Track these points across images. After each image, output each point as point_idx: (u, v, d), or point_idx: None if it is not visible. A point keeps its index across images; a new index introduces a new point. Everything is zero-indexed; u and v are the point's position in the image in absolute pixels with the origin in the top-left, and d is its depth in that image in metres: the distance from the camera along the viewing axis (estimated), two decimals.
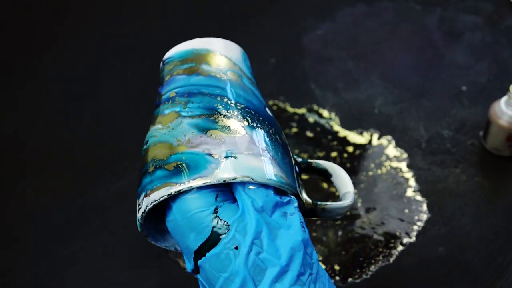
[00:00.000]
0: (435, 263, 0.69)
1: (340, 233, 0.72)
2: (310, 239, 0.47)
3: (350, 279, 0.69)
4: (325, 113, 0.85)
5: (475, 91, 0.87)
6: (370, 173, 0.78)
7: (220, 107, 0.47)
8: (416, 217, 0.73)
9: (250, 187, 0.45)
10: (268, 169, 0.45)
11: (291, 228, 0.44)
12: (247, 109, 0.48)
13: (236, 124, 0.46)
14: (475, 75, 0.89)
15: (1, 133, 0.86)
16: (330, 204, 0.51)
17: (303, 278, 0.43)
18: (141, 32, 1.00)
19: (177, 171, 0.45)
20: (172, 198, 0.45)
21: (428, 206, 0.74)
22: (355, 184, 0.77)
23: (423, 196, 0.75)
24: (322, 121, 0.84)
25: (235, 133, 0.46)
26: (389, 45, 0.94)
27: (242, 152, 0.45)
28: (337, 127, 0.83)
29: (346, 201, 0.52)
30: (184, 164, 0.45)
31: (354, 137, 0.82)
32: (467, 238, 0.71)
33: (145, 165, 0.47)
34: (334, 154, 0.80)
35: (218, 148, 0.45)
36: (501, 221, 0.72)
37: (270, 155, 0.46)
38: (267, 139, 0.47)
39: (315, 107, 0.86)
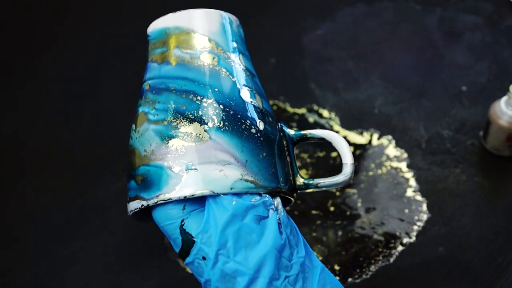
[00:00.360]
0: (435, 263, 0.69)
1: (340, 233, 0.72)
2: (304, 240, 0.46)
3: (350, 279, 0.69)
4: (325, 113, 0.85)
5: (475, 91, 0.87)
6: (370, 173, 0.78)
7: (184, 107, 0.46)
8: (416, 217, 0.73)
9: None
10: (231, 176, 0.44)
11: (264, 232, 0.44)
12: (215, 105, 0.46)
13: (198, 128, 0.45)
14: (475, 75, 0.89)
15: (1, 133, 0.86)
16: (323, 182, 0.50)
17: (277, 283, 0.43)
18: (141, 32, 0.99)
19: (143, 185, 0.45)
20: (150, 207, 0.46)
21: (428, 206, 0.74)
22: (355, 184, 0.77)
23: (423, 196, 0.75)
24: (322, 121, 0.84)
25: (197, 140, 0.45)
26: (389, 45, 0.94)
27: (204, 162, 0.44)
28: (337, 127, 0.83)
29: (341, 177, 0.50)
30: (149, 179, 0.45)
31: (354, 137, 0.82)
32: (467, 238, 0.71)
33: (128, 167, 0.48)
34: (334, 154, 0.80)
35: (179, 160, 0.44)
36: (501, 221, 0.72)
37: (237, 157, 0.45)
38: (235, 139, 0.45)
39: (315, 107, 0.86)
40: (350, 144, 0.81)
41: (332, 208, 0.75)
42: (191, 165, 0.44)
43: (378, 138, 0.82)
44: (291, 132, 0.51)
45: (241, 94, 0.48)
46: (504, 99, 0.75)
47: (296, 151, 0.81)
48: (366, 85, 0.89)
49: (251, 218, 0.44)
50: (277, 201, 0.47)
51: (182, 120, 0.46)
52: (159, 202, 0.45)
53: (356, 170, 0.78)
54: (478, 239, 0.71)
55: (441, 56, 0.91)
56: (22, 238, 0.75)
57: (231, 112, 0.46)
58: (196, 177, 0.44)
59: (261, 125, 0.47)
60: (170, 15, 0.50)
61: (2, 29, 1.01)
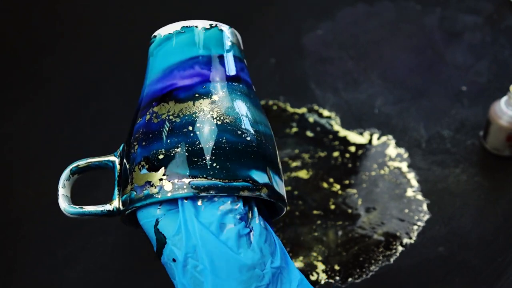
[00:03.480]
0: (435, 263, 0.69)
1: (340, 233, 0.72)
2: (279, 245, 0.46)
3: (350, 279, 0.69)
4: (325, 113, 0.85)
5: (475, 91, 0.87)
6: (370, 173, 0.78)
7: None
8: (416, 217, 0.73)
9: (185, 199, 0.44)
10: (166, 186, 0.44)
11: (228, 242, 0.43)
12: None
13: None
14: (475, 75, 0.89)
15: (1, 133, 0.86)
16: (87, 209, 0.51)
17: None
18: (141, 32, 0.99)
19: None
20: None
21: (428, 206, 0.74)
22: (356, 184, 0.77)
23: (423, 196, 0.75)
24: (322, 121, 0.84)
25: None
26: (389, 45, 0.94)
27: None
28: (337, 127, 0.83)
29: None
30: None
31: (354, 137, 0.82)
32: (467, 238, 0.71)
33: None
34: (336, 154, 0.80)
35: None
36: (501, 221, 0.72)
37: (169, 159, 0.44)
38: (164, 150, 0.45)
39: (315, 107, 0.86)
40: (350, 144, 0.81)
41: (332, 208, 0.75)
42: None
43: (378, 138, 0.82)
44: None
45: None
46: (504, 99, 0.75)
47: (296, 151, 0.81)
48: (366, 85, 0.89)
49: (216, 225, 0.43)
50: (253, 209, 0.46)
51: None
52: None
53: (357, 170, 0.78)
54: (478, 239, 0.71)
55: (441, 56, 0.91)
56: (22, 238, 0.75)
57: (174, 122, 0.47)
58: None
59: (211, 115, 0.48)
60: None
61: (2, 29, 1.01)
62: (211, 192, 0.43)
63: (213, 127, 0.45)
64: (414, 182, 0.77)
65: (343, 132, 0.83)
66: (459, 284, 0.67)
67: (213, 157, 0.44)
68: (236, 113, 0.46)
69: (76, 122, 0.87)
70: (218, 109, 0.46)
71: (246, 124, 0.46)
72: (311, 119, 0.85)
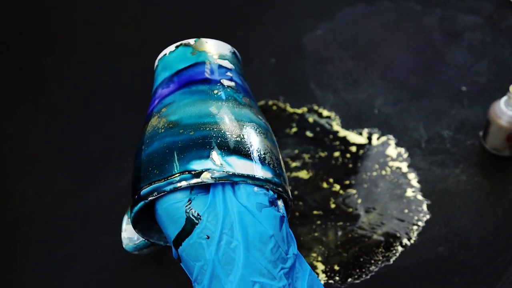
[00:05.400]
0: (435, 263, 0.69)
1: (340, 233, 0.72)
2: (293, 237, 0.48)
3: (350, 279, 0.69)
4: (325, 113, 0.85)
5: (475, 91, 0.87)
6: (370, 173, 0.78)
7: None
8: (416, 217, 0.73)
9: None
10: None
11: (264, 221, 0.45)
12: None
13: None
14: (475, 75, 0.89)
15: (1, 133, 0.86)
16: None
17: (274, 271, 0.44)
18: (141, 32, 1.00)
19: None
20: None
21: (428, 206, 0.74)
22: (356, 185, 0.77)
23: (423, 196, 0.75)
24: (322, 121, 0.84)
25: None
26: (389, 45, 0.94)
27: None
28: (337, 127, 0.83)
29: None
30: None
31: (354, 137, 0.82)
32: (467, 238, 0.71)
33: None
34: (336, 154, 0.80)
35: None
36: (501, 221, 0.72)
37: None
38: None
39: (315, 107, 0.86)
40: (350, 144, 0.82)
41: (332, 209, 0.75)
42: None
43: (378, 138, 0.82)
44: None
45: None
46: (504, 99, 0.75)
47: (296, 151, 0.81)
48: (366, 85, 0.89)
49: (254, 205, 0.46)
50: (280, 203, 0.49)
51: None
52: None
53: (356, 170, 0.78)
54: (478, 239, 0.71)
55: (441, 56, 0.91)
56: (22, 238, 0.75)
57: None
58: None
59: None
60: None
61: (2, 29, 1.01)
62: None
63: (156, 137, 0.49)
64: (414, 182, 0.77)
65: (343, 132, 0.83)
66: (459, 284, 0.67)
67: (150, 166, 0.48)
68: (179, 117, 0.50)
69: (76, 122, 0.87)
70: (164, 119, 0.50)
71: (189, 121, 0.50)
72: (311, 119, 0.85)
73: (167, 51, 0.55)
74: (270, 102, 0.87)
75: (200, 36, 0.54)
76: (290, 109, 0.86)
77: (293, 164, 0.79)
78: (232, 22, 0.99)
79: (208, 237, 0.45)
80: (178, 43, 0.55)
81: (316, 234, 0.72)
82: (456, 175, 0.77)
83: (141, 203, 0.48)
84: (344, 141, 0.82)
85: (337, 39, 0.95)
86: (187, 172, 0.47)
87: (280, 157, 0.52)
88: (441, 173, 0.77)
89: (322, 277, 0.69)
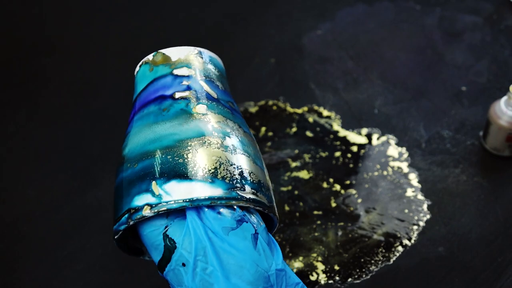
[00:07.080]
0: (435, 263, 0.69)
1: (340, 233, 0.72)
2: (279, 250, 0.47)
3: (350, 279, 0.69)
4: (325, 113, 0.85)
5: (475, 91, 0.87)
6: (370, 173, 0.78)
7: None
8: (416, 218, 0.73)
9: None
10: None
11: (235, 244, 0.45)
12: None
13: None
14: (475, 75, 0.89)
15: (1, 133, 0.86)
16: None
17: None
18: (141, 32, 1.00)
19: None
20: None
21: (428, 206, 0.74)
22: (356, 185, 0.77)
23: (423, 196, 0.75)
24: (322, 121, 0.84)
25: None
26: (389, 45, 0.94)
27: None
28: (337, 127, 0.83)
29: None
30: None
31: (354, 137, 0.82)
32: (467, 238, 0.71)
33: None
34: (337, 154, 0.80)
35: None
36: (501, 221, 0.72)
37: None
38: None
39: (315, 107, 0.86)
40: (350, 144, 0.81)
41: (332, 209, 0.75)
42: None
43: (378, 138, 0.82)
44: None
45: None
46: (504, 99, 0.75)
47: (296, 151, 0.81)
48: (366, 85, 0.89)
49: (219, 230, 0.45)
50: (254, 216, 0.48)
51: None
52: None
53: (356, 170, 0.78)
54: (478, 239, 0.71)
55: (441, 56, 0.91)
56: (23, 238, 0.75)
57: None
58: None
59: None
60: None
61: (2, 30, 1.01)
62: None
63: (117, 172, 0.52)
64: (414, 183, 0.77)
65: (343, 132, 0.83)
66: (459, 284, 0.67)
67: (114, 203, 0.50)
68: (128, 149, 0.51)
69: (76, 122, 0.87)
70: (122, 152, 0.52)
71: (134, 153, 0.50)
72: (311, 119, 0.85)
73: (136, 70, 0.55)
74: (270, 102, 0.87)
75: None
76: (290, 109, 0.86)
77: (294, 164, 0.79)
78: (232, 22, 0.99)
79: (184, 265, 0.45)
80: (141, 61, 0.55)
81: (316, 234, 0.72)
82: (456, 175, 0.77)
83: (117, 235, 0.49)
84: (344, 141, 0.82)
85: (337, 39, 0.95)
86: (132, 210, 0.47)
87: (249, 161, 0.49)
88: (441, 173, 0.77)
89: (322, 277, 0.69)
